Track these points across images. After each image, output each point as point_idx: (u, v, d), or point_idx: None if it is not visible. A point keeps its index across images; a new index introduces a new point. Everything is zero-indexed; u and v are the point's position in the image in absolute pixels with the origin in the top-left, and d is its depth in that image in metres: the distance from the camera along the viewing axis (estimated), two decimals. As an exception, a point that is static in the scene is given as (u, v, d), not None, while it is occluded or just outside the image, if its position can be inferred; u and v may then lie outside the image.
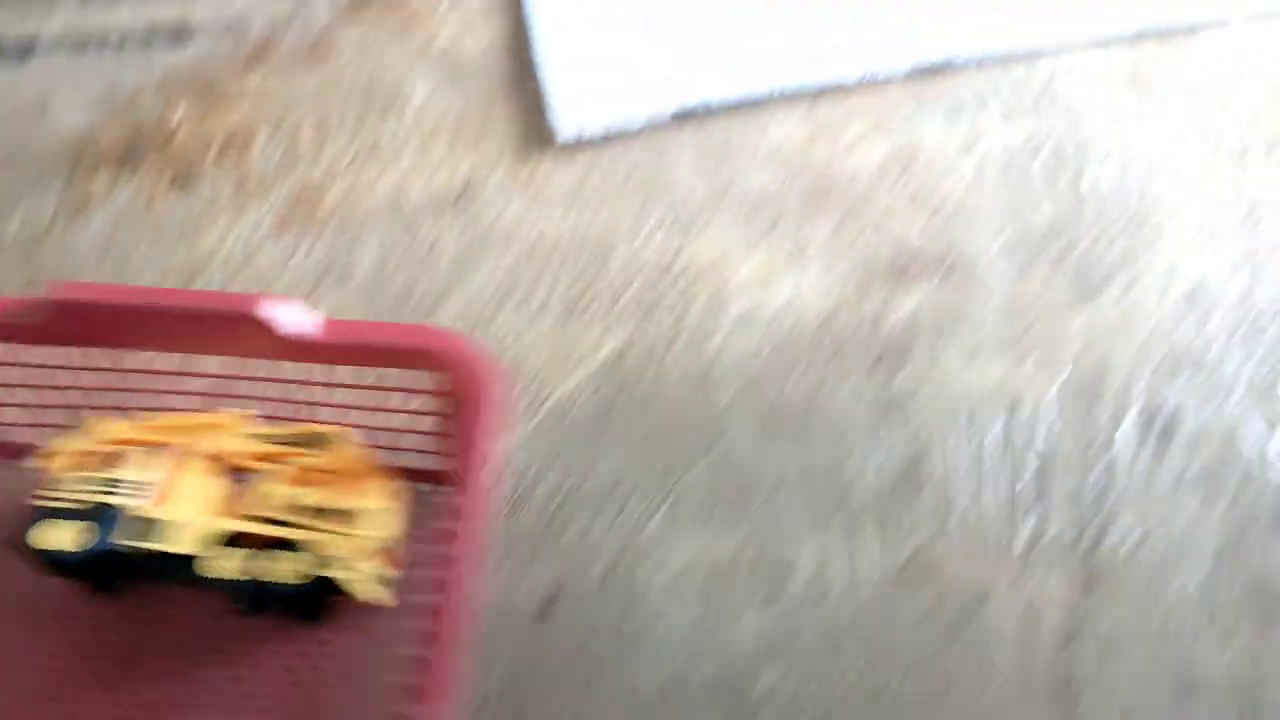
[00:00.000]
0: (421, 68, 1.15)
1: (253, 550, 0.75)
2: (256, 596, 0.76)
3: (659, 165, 1.08)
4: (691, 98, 1.11)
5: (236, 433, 0.80)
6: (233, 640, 0.78)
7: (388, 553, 0.78)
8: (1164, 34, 1.16)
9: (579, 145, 1.09)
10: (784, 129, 1.10)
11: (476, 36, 1.17)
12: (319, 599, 0.78)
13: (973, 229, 1.03)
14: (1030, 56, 1.14)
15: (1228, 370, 0.95)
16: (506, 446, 0.90)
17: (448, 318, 0.99)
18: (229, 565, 0.74)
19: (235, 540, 0.75)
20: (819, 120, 1.11)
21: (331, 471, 0.79)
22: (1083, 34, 1.15)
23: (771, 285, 1.00)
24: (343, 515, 0.76)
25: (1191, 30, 1.16)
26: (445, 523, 0.66)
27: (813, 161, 1.08)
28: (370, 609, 0.78)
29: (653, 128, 1.10)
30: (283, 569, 0.74)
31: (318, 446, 0.80)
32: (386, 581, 0.77)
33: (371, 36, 1.18)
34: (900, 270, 1.01)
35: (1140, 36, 1.16)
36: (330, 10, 1.20)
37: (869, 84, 1.13)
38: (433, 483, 0.82)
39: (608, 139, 1.09)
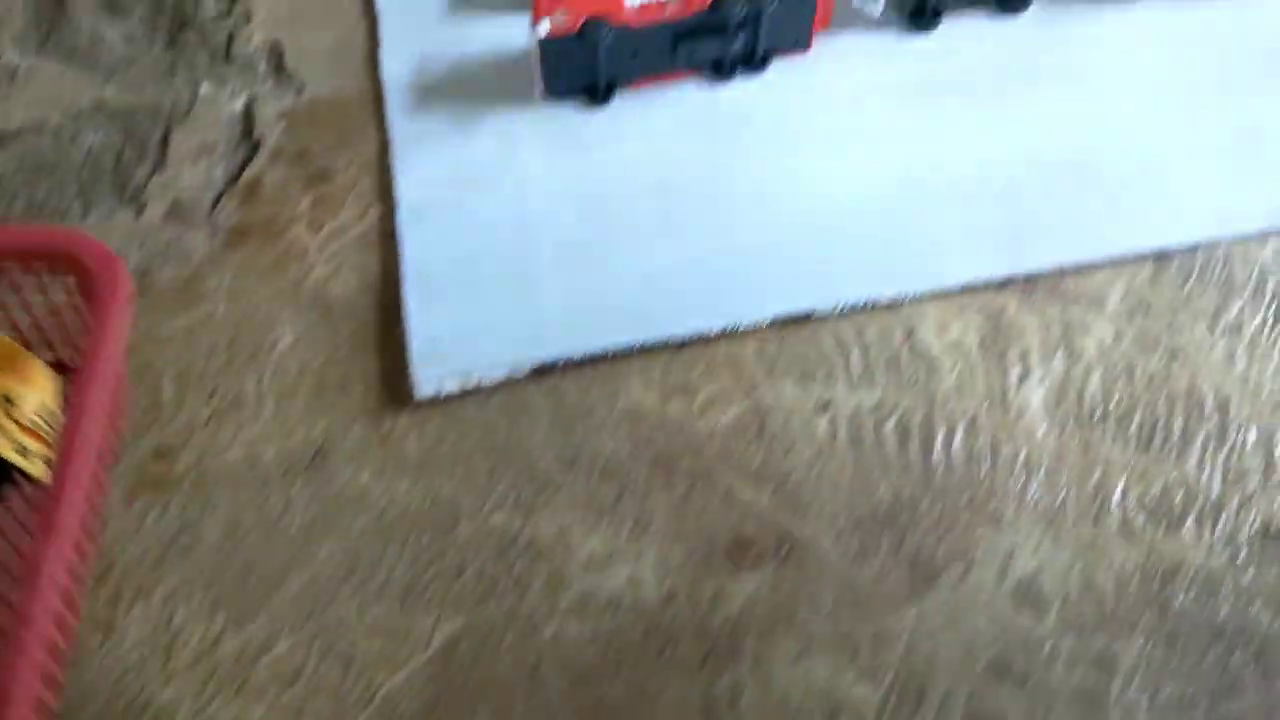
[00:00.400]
0: (291, 309, 1.16)
1: None
2: None
3: (513, 427, 1.09)
4: (552, 352, 1.11)
5: None
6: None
7: (44, 433, 0.92)
8: (1029, 281, 1.16)
9: (436, 403, 1.10)
10: (641, 385, 1.11)
11: (349, 276, 1.18)
12: None
13: (817, 503, 1.04)
14: (893, 306, 1.14)
15: (1055, 676, 0.94)
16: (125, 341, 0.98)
17: (289, 596, 1.00)
18: None
19: None
20: (676, 376, 1.11)
21: None
22: (947, 280, 1.15)
23: (610, 567, 1.01)
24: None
25: (1058, 275, 1.16)
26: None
27: (666, 423, 1.09)
28: (32, 485, 0.93)
29: (511, 384, 1.11)
30: None
31: None
32: (44, 459, 0.91)
33: (245, 272, 1.19)
34: (740, 551, 1.01)
35: (1008, 284, 1.16)
36: (208, 242, 1.22)
37: (730, 335, 1.13)
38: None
39: (465, 395, 1.10)
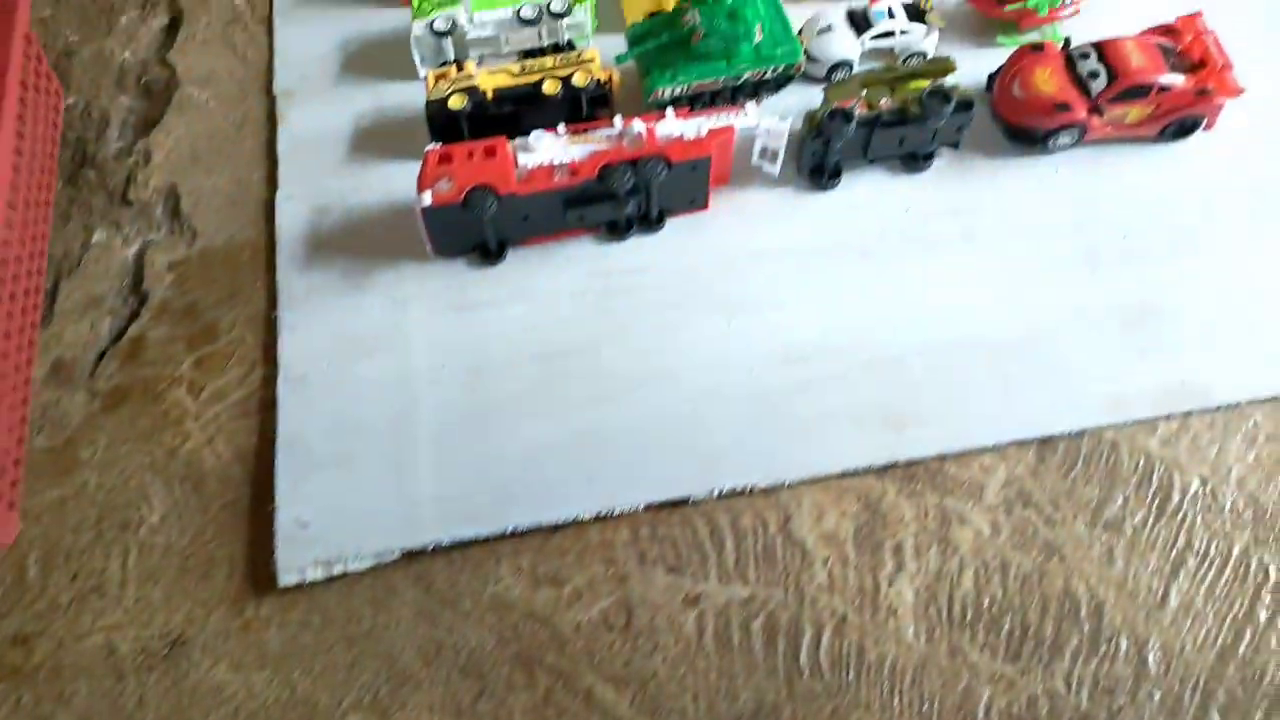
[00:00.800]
0: (162, 481, 1.15)
1: None
2: None
3: (378, 616, 1.07)
4: (424, 539, 1.10)
5: None
6: None
7: None
8: (910, 466, 1.14)
9: (301, 588, 1.08)
10: (511, 572, 1.09)
11: (224, 446, 1.17)
12: None
13: (678, 710, 1.02)
14: (770, 490, 1.13)
15: None
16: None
17: (135, 801, 0.98)
18: None
19: None
20: (547, 564, 1.09)
21: None
22: (827, 466, 1.13)
23: (462, 777, 0.99)
24: None
25: (940, 460, 1.14)
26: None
27: (534, 614, 1.07)
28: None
29: (379, 568, 1.09)
30: None
31: None
32: None
33: (121, 439, 1.18)
34: (595, 762, 1.00)
35: (889, 468, 1.14)
36: (86, 405, 1.20)
37: (604, 519, 1.11)
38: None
39: (331, 580, 1.09)
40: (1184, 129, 1.34)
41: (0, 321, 1.11)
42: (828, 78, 1.40)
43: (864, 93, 1.29)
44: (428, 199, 1.18)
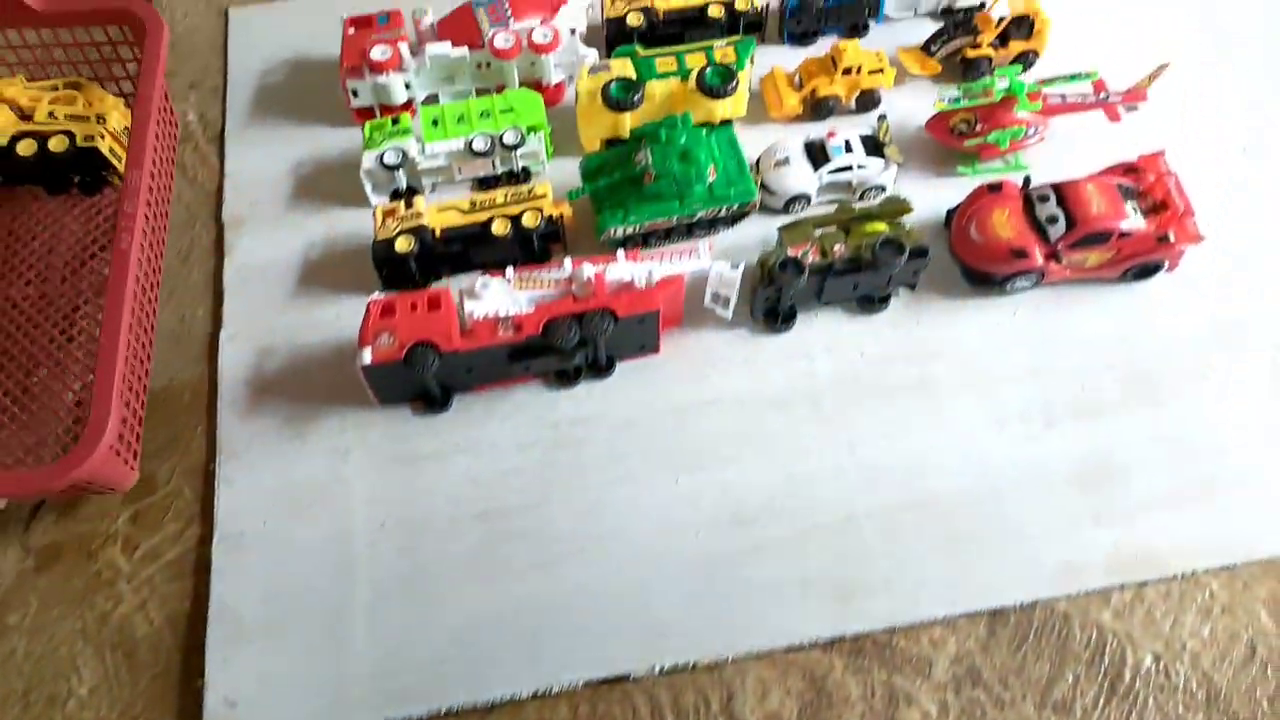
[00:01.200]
0: (93, 649, 1.12)
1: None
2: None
3: (306, 801, 1.04)
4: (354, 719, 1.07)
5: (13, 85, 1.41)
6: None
7: (124, 142, 1.37)
8: (858, 639, 1.11)
9: (230, 772, 1.06)
10: (445, 754, 1.06)
11: (156, 611, 1.14)
12: (87, 167, 1.37)
13: None
14: (713, 667, 1.10)
15: None
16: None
17: None
18: None
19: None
20: (482, 744, 1.07)
21: (79, 93, 1.43)
22: (772, 640, 1.11)
23: None
24: (85, 115, 1.39)
25: (889, 633, 1.12)
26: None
27: (467, 800, 1.04)
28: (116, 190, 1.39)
29: (310, 749, 1.07)
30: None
31: (74, 89, 1.44)
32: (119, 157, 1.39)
33: (52, 602, 1.15)
34: None
35: (836, 642, 1.11)
36: (18, 564, 1.17)
37: (544, 696, 1.09)
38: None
39: (261, 763, 1.06)
40: (1146, 271, 1.31)
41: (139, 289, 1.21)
42: (786, 209, 1.38)
43: (818, 234, 1.26)
44: (368, 357, 1.15)
